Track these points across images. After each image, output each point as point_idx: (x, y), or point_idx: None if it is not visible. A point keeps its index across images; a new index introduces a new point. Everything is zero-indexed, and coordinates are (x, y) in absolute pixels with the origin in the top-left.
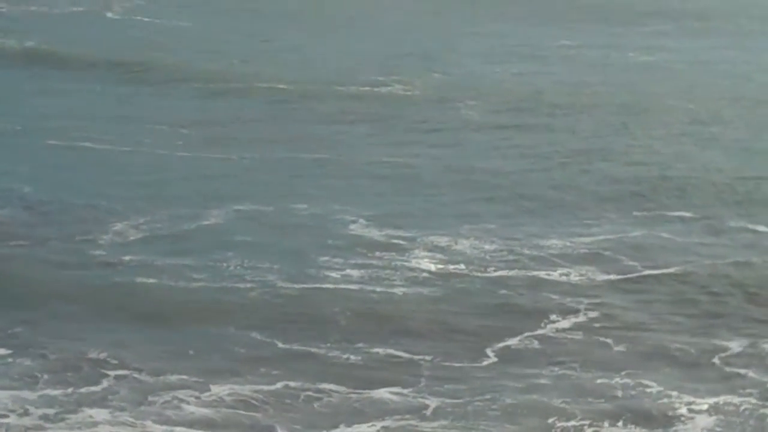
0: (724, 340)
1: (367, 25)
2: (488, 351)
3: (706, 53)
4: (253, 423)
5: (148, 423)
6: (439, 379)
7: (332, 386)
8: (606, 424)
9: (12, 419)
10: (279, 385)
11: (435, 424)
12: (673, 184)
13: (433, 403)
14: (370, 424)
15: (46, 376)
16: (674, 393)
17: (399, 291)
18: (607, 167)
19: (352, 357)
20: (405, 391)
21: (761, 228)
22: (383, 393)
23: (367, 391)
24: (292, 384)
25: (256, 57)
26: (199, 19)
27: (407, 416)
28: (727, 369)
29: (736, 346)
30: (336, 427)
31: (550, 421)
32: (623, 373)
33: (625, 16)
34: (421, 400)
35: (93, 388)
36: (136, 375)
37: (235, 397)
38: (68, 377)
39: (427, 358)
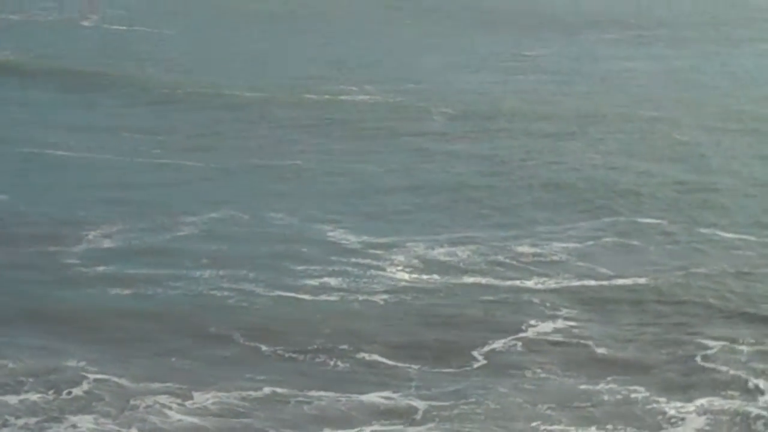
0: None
1: (333, 32)
2: (475, 354)
3: (670, 62)
4: (244, 428)
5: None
6: (426, 383)
7: (320, 392)
8: (593, 428)
9: None
10: (266, 390)
11: (423, 427)
12: (628, 190)
13: (421, 406)
14: (359, 428)
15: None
16: (661, 397)
17: (378, 299)
18: (558, 174)
19: (339, 362)
20: (394, 395)
21: (720, 233)
22: (372, 397)
23: (355, 395)
24: (279, 390)
25: (223, 65)
26: (172, 28)
27: (396, 420)
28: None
29: (714, 346)
30: (330, 428)
31: (534, 425)
32: (608, 378)
33: (583, 26)
34: (409, 403)
35: (75, 393)
36: (116, 380)
37: (222, 404)
38: (50, 383)
39: (413, 363)
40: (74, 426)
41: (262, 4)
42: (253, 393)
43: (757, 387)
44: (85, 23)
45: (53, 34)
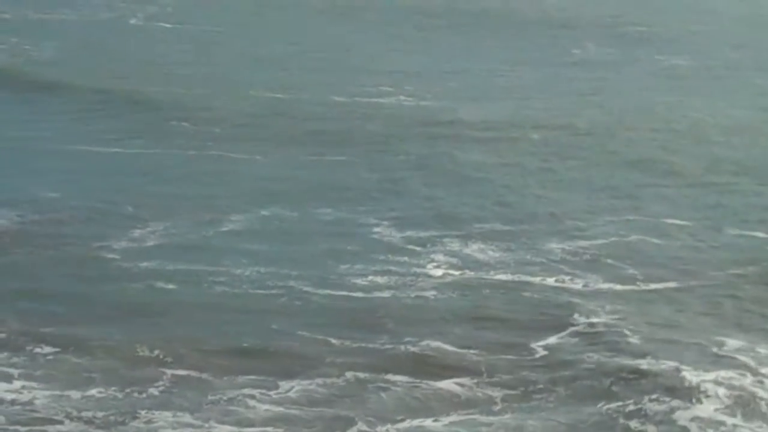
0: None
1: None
2: (534, 346)
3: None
4: (333, 416)
5: (215, 424)
6: (495, 373)
7: (398, 377)
8: (645, 399)
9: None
10: (348, 375)
11: (501, 417)
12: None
13: (497, 395)
14: (436, 417)
15: (96, 376)
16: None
17: (429, 295)
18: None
19: (410, 350)
20: (468, 383)
21: None
22: (448, 384)
23: (431, 382)
24: (360, 375)
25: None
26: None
27: (473, 409)
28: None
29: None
30: (413, 417)
31: (600, 405)
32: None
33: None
34: (484, 392)
35: (150, 388)
36: (193, 374)
37: (306, 393)
38: (118, 378)
39: (478, 355)
40: (150, 421)
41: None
42: (336, 380)
43: None
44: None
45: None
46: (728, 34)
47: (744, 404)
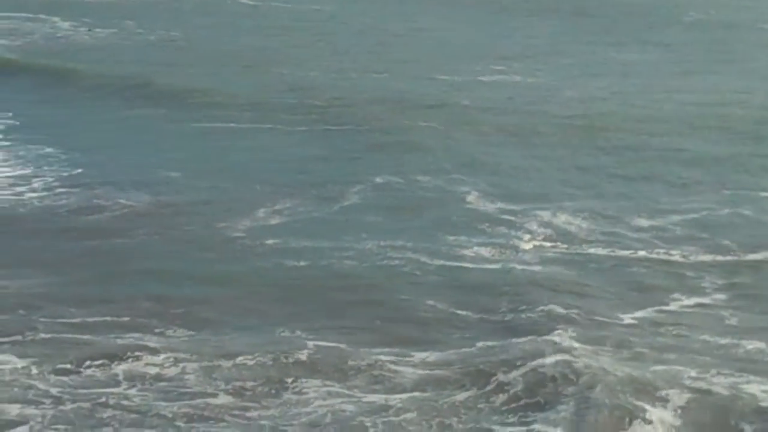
0: None
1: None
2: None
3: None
4: (475, 372)
5: (363, 393)
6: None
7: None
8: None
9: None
10: (479, 344)
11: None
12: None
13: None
14: None
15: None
16: None
17: (536, 268)
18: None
19: (530, 317)
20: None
21: None
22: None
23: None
24: (488, 343)
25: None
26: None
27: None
28: None
29: None
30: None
31: (695, 372)
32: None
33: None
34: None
35: (296, 357)
36: (334, 345)
37: (442, 360)
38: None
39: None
40: (300, 392)
41: None
42: (467, 349)
43: None
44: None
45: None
46: None
47: None
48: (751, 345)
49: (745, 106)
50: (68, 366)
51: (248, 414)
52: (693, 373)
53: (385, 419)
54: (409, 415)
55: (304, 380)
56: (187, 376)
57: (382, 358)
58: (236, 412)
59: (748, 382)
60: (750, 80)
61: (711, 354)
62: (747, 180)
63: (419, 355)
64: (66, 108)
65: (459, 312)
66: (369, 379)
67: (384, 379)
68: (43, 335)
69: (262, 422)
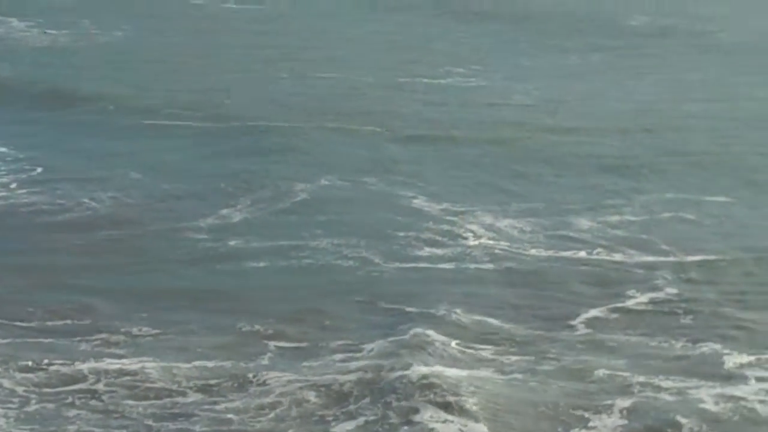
0: None
1: None
2: (573, 323)
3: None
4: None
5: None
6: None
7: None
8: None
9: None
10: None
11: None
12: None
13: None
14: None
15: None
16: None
17: (488, 267)
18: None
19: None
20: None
21: None
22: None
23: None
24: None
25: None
26: None
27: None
28: None
29: None
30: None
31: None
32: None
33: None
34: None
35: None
36: (294, 345)
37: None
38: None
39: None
40: (264, 383)
41: None
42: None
43: None
44: None
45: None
46: None
47: None
48: (696, 349)
49: (678, 112)
50: (31, 366)
51: (216, 408)
52: (640, 378)
53: (344, 410)
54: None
55: (265, 374)
56: (152, 375)
57: (335, 356)
58: (205, 407)
59: (697, 387)
60: (682, 87)
61: (657, 358)
62: (687, 184)
63: (364, 352)
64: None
65: (408, 310)
66: (323, 368)
67: (336, 370)
68: (1, 340)
69: (230, 416)
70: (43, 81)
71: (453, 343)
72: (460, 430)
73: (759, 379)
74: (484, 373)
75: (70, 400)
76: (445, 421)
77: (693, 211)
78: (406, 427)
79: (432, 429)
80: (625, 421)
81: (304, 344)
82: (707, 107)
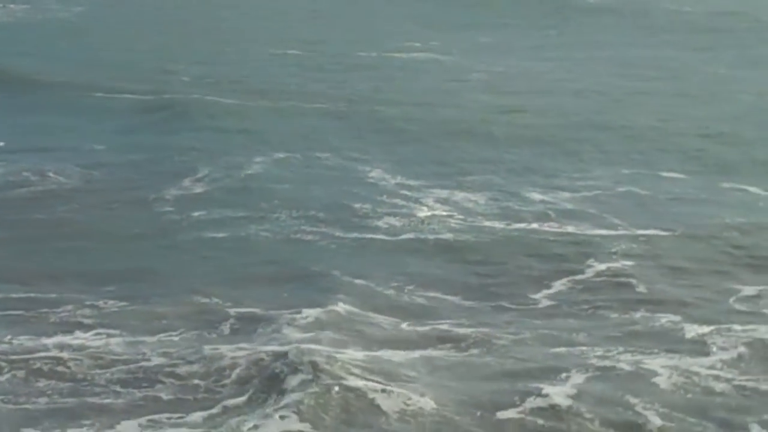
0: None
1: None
2: (535, 296)
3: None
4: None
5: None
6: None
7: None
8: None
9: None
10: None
11: (470, 352)
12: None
13: (471, 334)
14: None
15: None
16: (698, 325)
17: (449, 237)
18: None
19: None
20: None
21: None
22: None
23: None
24: (354, 310)
25: None
26: None
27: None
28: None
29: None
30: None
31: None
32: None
33: None
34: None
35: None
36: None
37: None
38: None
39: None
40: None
41: None
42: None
43: None
44: None
45: None
46: None
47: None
48: (651, 320)
49: (625, 89)
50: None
51: (178, 371)
52: (599, 351)
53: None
54: None
55: (221, 346)
56: (117, 346)
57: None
58: (167, 370)
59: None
60: (630, 64)
61: (611, 329)
62: (633, 160)
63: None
64: None
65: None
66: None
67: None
68: None
69: (195, 381)
70: None
71: (404, 325)
72: (404, 402)
73: (721, 349)
74: (439, 352)
75: (37, 366)
76: (388, 394)
77: (643, 187)
78: (350, 400)
79: (374, 401)
80: (577, 391)
81: (259, 313)
82: (654, 84)
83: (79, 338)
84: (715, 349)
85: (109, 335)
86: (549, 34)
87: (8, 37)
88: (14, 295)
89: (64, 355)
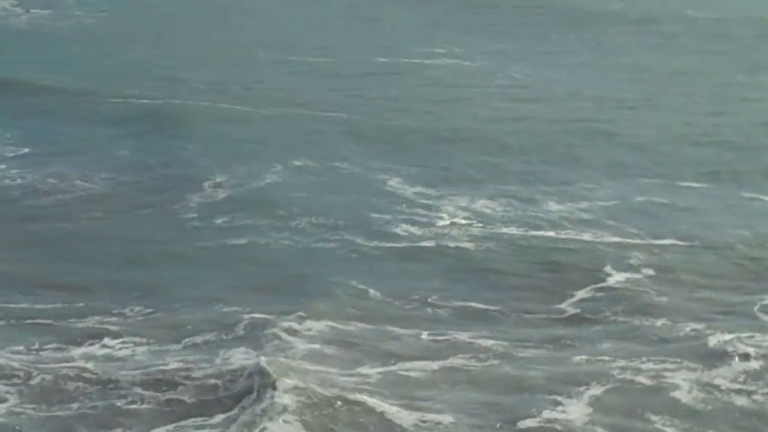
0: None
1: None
2: (563, 306)
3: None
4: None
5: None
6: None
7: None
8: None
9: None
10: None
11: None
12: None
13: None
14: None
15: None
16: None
17: (471, 246)
18: None
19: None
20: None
21: None
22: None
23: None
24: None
25: None
26: None
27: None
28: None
29: None
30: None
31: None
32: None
33: None
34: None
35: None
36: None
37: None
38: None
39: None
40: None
41: None
42: (362, 324)
43: None
44: None
45: None
46: None
47: None
48: (672, 330)
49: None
50: (29, 347)
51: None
52: (621, 363)
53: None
54: None
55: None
56: (143, 355)
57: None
58: (189, 374)
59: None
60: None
61: (632, 340)
62: (660, 170)
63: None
64: None
65: (373, 295)
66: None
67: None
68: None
69: (214, 382)
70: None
71: (424, 335)
72: (422, 415)
73: (742, 358)
74: (458, 361)
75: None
76: (405, 406)
77: (659, 196)
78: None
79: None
80: (596, 404)
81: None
82: (668, 91)
83: (107, 346)
84: (737, 359)
85: (135, 344)
86: (566, 41)
87: (28, 45)
88: (39, 306)
89: (91, 364)
